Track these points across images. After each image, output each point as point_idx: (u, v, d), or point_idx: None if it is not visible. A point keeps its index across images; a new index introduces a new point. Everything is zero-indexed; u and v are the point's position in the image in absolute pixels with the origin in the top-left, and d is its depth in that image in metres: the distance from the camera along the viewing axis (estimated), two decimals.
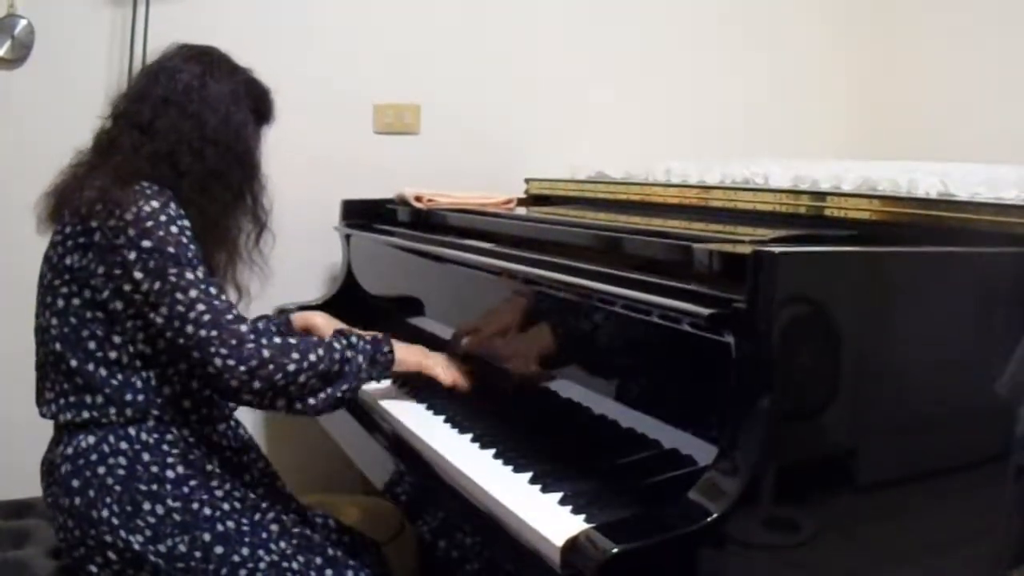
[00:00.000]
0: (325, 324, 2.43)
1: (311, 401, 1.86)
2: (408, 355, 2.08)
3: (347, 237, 3.07)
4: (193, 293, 1.78)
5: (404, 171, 3.20)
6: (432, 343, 2.43)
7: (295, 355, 1.82)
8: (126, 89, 2.05)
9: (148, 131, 1.93)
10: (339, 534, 2.04)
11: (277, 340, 1.84)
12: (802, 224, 2.01)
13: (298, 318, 2.44)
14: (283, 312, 2.50)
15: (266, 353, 1.78)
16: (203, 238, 1.90)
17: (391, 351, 2.02)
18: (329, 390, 1.88)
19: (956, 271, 1.63)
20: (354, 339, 1.96)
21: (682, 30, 3.72)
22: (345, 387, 1.90)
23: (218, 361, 1.75)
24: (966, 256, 1.66)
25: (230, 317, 1.80)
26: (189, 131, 1.93)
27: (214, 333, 1.76)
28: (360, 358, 1.94)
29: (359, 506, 2.74)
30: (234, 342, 1.77)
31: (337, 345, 1.91)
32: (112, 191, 1.83)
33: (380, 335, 2.05)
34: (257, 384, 1.78)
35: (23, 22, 2.92)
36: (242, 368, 1.76)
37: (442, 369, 2.11)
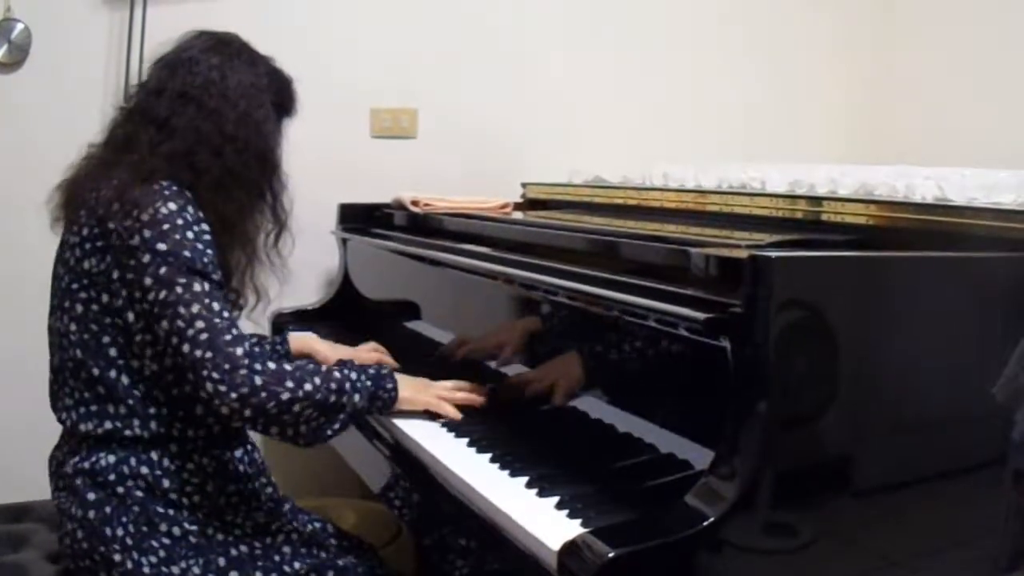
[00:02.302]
0: (326, 349, 2.40)
1: (303, 430, 1.77)
2: (413, 393, 1.97)
3: (344, 241, 3.07)
4: (195, 308, 1.69)
5: (401, 175, 3.20)
6: (429, 347, 2.44)
7: (290, 383, 1.72)
8: (143, 81, 1.97)
9: (165, 128, 1.85)
10: (338, 540, 2.02)
11: (272, 365, 1.72)
12: (799, 229, 2.02)
13: (295, 340, 2.39)
14: (281, 331, 2.45)
15: (258, 380, 1.68)
16: (220, 239, 1.84)
17: (394, 388, 1.93)
18: (323, 422, 1.80)
19: (953, 276, 1.63)
20: (354, 374, 1.87)
21: (680, 35, 3.72)
22: (338, 425, 1.83)
23: (209, 386, 1.66)
24: (963, 261, 1.67)
25: (228, 338, 1.69)
26: (207, 128, 1.86)
27: (208, 355, 1.67)
28: (357, 396, 1.84)
29: (356, 510, 2.74)
30: (227, 366, 1.67)
31: (337, 374, 1.82)
32: (130, 190, 1.76)
33: (385, 369, 1.97)
34: (248, 412, 1.69)
35: (20, 26, 2.92)
36: (233, 395, 1.67)
37: (450, 407, 1.99)
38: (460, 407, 2.01)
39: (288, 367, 1.75)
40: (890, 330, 1.52)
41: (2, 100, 2.94)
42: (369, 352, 2.41)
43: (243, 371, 1.67)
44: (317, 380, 1.77)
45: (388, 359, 2.38)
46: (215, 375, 1.66)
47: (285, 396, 1.71)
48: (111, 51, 3.01)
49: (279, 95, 2.01)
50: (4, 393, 2.82)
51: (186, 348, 1.68)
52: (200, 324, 1.68)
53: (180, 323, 1.68)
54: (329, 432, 1.82)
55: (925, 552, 1.59)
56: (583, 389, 1.85)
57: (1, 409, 2.85)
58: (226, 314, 1.73)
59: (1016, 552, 1.65)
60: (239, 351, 1.69)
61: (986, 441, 1.65)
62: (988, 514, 1.64)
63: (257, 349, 1.74)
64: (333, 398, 1.79)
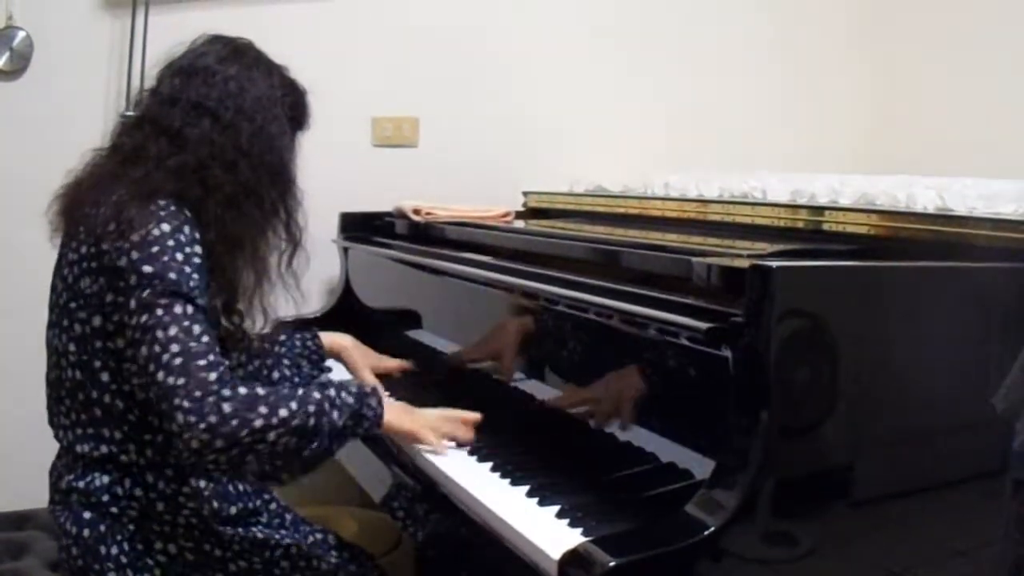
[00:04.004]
0: (356, 353, 2.36)
1: (279, 461, 1.65)
2: (398, 421, 1.85)
3: (345, 250, 3.07)
4: (172, 331, 1.60)
5: (402, 184, 3.20)
6: (430, 356, 2.44)
7: (263, 409, 1.60)
8: (153, 86, 1.88)
9: (176, 140, 1.78)
10: (338, 551, 2.01)
11: (243, 390, 1.61)
12: (800, 238, 2.02)
13: (327, 338, 2.35)
14: (312, 327, 2.41)
15: (227, 408, 1.57)
16: (229, 259, 1.79)
17: (379, 405, 1.81)
18: (305, 453, 1.68)
19: (953, 286, 1.63)
20: (332, 392, 1.74)
21: (682, 43, 3.72)
22: (316, 444, 1.69)
23: (180, 417, 1.55)
24: (963, 271, 1.67)
25: (202, 363, 1.59)
26: (222, 143, 1.78)
27: (181, 381, 1.56)
28: (336, 414, 1.71)
29: (357, 519, 2.74)
30: (198, 394, 1.56)
31: (316, 395, 1.70)
32: (127, 209, 1.69)
33: (368, 387, 1.84)
34: (220, 443, 1.56)
35: (21, 34, 2.93)
36: (202, 426, 1.55)
37: (435, 437, 1.89)
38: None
39: (261, 391, 1.64)
40: (891, 340, 1.52)
41: (4, 108, 2.94)
42: (398, 368, 2.40)
43: (212, 398, 1.57)
44: (294, 405, 1.65)
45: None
46: (185, 403, 1.56)
47: (258, 423, 1.59)
48: (112, 58, 3.01)
49: (294, 108, 1.95)
50: (7, 401, 2.82)
51: (160, 375, 1.58)
52: (175, 347, 1.59)
53: (157, 348, 1.60)
54: (307, 453, 1.68)
55: (925, 562, 1.59)
56: (585, 398, 1.85)
57: (4, 416, 2.85)
58: (206, 339, 1.63)
59: (1017, 561, 1.65)
60: (212, 376, 1.59)
61: (986, 451, 1.65)
62: (988, 524, 1.64)
63: (229, 376, 1.63)
64: (312, 421, 1.67)
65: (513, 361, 2.12)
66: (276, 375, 2.21)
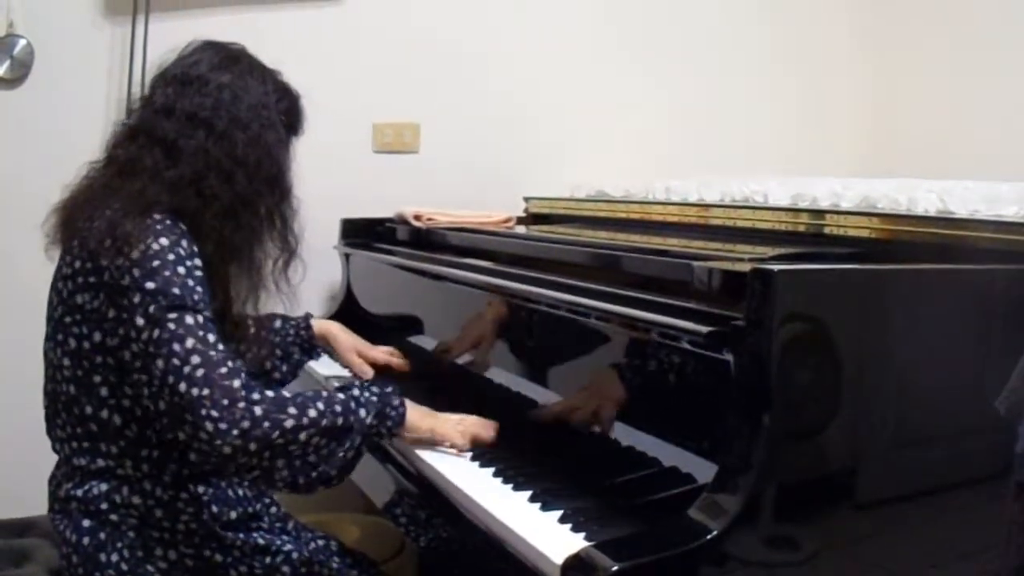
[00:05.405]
0: (345, 338, 2.42)
1: (312, 459, 1.67)
2: (420, 420, 1.87)
3: (346, 256, 3.07)
4: (190, 343, 1.60)
5: (403, 190, 3.21)
6: (431, 361, 2.44)
7: (292, 410, 1.63)
8: (146, 96, 1.87)
9: (172, 152, 1.77)
10: (341, 557, 2.00)
11: (271, 394, 1.64)
12: (802, 242, 2.02)
13: (317, 324, 2.39)
14: (308, 316, 2.43)
15: (259, 411, 1.59)
16: (225, 268, 1.79)
17: (402, 405, 1.83)
18: (334, 447, 1.69)
19: (955, 288, 1.63)
20: (355, 391, 1.77)
21: (683, 48, 3.73)
22: (348, 444, 1.71)
23: (209, 425, 1.56)
24: (965, 273, 1.67)
25: (224, 370, 1.60)
26: (217, 153, 1.77)
27: (206, 392, 1.57)
28: (363, 412, 1.74)
29: (359, 525, 2.73)
30: (226, 402, 1.57)
31: (341, 396, 1.73)
32: (123, 225, 1.68)
33: (389, 387, 1.86)
34: (253, 446, 1.58)
35: (22, 42, 2.93)
36: (235, 432, 1.56)
37: (459, 436, 1.90)
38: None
39: (287, 393, 1.68)
40: (892, 343, 1.52)
41: (4, 116, 2.95)
42: (384, 354, 2.43)
43: (242, 404, 1.58)
44: (321, 405, 1.67)
45: (400, 362, 2.43)
46: (214, 412, 1.57)
47: (289, 423, 1.62)
48: (113, 66, 3.01)
49: (288, 114, 1.95)
50: (8, 408, 2.82)
51: (183, 387, 1.58)
52: (196, 359, 1.60)
53: (176, 361, 1.59)
54: (341, 454, 1.70)
55: (928, 565, 1.58)
56: (587, 403, 1.85)
57: (5, 424, 2.85)
58: (221, 346, 1.64)
59: (1020, 564, 1.64)
60: (236, 383, 1.60)
61: (989, 454, 1.65)
62: (991, 527, 1.63)
63: (251, 381, 1.65)
64: (340, 420, 1.69)
65: (491, 350, 2.15)
66: (268, 365, 2.27)
